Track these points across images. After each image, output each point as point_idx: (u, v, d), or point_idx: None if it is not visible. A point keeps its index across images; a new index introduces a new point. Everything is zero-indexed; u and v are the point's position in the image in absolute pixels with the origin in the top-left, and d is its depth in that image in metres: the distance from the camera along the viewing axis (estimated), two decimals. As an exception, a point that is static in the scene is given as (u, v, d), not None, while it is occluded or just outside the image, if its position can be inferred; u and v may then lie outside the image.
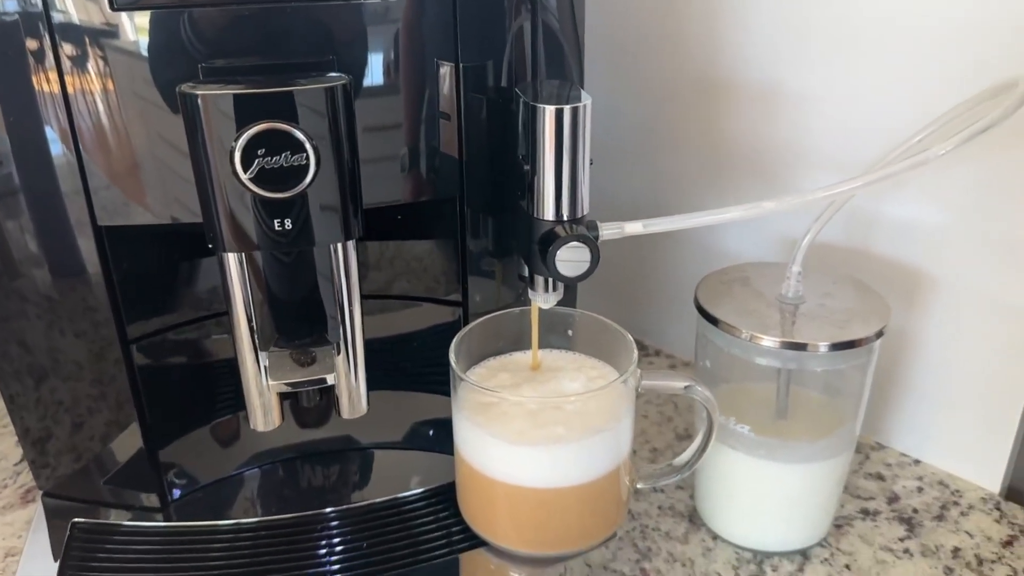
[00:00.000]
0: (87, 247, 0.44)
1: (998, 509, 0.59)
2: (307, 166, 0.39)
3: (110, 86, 0.40)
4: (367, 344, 0.46)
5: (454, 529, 0.51)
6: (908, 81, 0.55)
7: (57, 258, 0.44)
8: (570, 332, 0.53)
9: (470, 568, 0.50)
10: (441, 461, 0.54)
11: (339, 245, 0.42)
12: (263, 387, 0.44)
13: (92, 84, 0.39)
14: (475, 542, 0.50)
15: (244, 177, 0.39)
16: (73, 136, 0.41)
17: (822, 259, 0.56)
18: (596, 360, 0.51)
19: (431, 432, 0.57)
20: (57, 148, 0.41)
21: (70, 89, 0.40)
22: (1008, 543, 0.56)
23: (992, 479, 0.60)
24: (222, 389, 0.53)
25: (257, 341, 0.43)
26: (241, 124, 0.38)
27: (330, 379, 0.44)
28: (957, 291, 0.57)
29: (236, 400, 0.47)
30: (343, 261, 0.42)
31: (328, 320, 0.44)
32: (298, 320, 0.44)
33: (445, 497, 0.53)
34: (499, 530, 0.49)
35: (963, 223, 0.56)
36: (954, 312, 0.58)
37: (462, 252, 0.50)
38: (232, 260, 0.41)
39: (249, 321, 0.43)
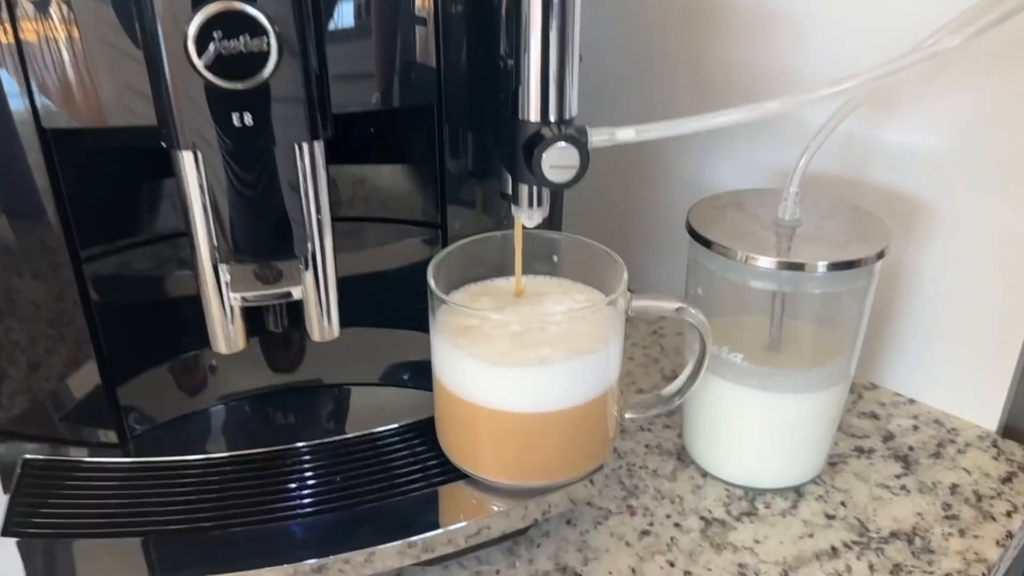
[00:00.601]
0: (35, 160, 0.40)
1: (995, 447, 0.57)
2: (268, 53, 0.36)
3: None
4: (341, 275, 0.43)
5: (432, 463, 0.48)
6: (911, -5, 0.52)
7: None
8: (556, 258, 0.50)
9: (449, 503, 0.47)
10: (418, 397, 0.52)
11: (305, 146, 0.39)
12: (224, 302, 0.40)
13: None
14: (454, 475, 0.47)
15: (198, 64, 0.35)
16: (14, 29, 0.37)
17: (817, 189, 0.54)
18: (583, 285, 0.48)
19: (409, 370, 0.54)
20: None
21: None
22: (1007, 479, 0.54)
23: (989, 417, 0.58)
24: (186, 324, 0.50)
25: (217, 252, 0.40)
26: (196, 2, 0.34)
27: (296, 293, 0.41)
28: (956, 220, 0.55)
29: (201, 335, 0.43)
30: (310, 164, 0.39)
31: (295, 231, 0.41)
32: (262, 231, 0.41)
33: (423, 432, 0.50)
34: (480, 460, 0.46)
35: (963, 149, 0.53)
36: (953, 243, 0.56)
37: (441, 171, 0.47)
38: (187, 160, 0.38)
39: (208, 230, 0.39)
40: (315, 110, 0.38)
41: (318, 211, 0.40)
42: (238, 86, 0.36)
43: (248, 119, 0.37)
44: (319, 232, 0.40)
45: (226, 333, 0.42)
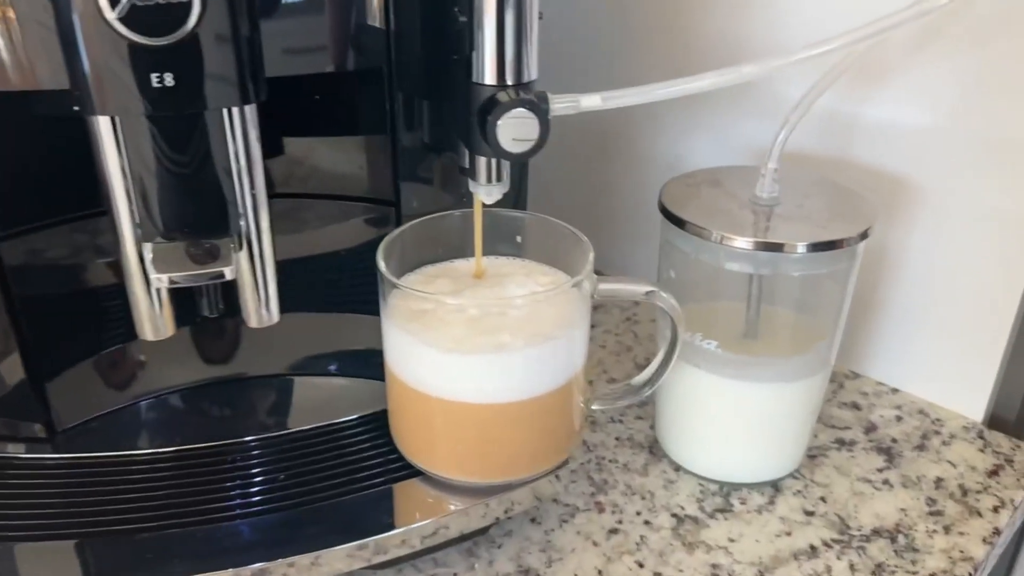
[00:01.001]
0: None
1: (981, 438, 0.54)
2: (190, 3, 0.32)
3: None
4: (285, 256, 0.40)
5: (385, 459, 0.45)
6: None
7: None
8: (519, 238, 0.47)
9: (404, 501, 0.44)
10: (370, 388, 0.48)
11: (235, 111, 0.35)
12: (149, 284, 0.37)
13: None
14: (409, 472, 0.44)
15: (111, 16, 0.31)
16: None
17: (798, 166, 0.51)
18: (548, 267, 0.45)
19: (360, 358, 0.50)
20: None
21: None
22: (993, 472, 0.51)
23: (975, 407, 0.55)
24: (116, 311, 0.46)
25: (140, 229, 0.36)
26: (105, -56, 0.31)
27: (228, 273, 0.37)
28: (944, 200, 0.52)
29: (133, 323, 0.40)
30: (241, 132, 0.35)
31: (228, 206, 0.37)
32: (191, 206, 0.37)
33: (375, 425, 0.47)
34: (435, 456, 0.43)
35: (951, 124, 0.50)
36: (940, 224, 0.53)
37: (393, 143, 0.43)
38: (104, 126, 0.34)
39: (130, 205, 0.36)
40: (245, 71, 0.34)
41: (252, 185, 0.36)
42: (157, 42, 0.32)
43: (169, 80, 0.33)
44: (254, 208, 0.37)
45: (152, 318, 0.38)
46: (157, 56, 0.33)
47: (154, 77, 0.33)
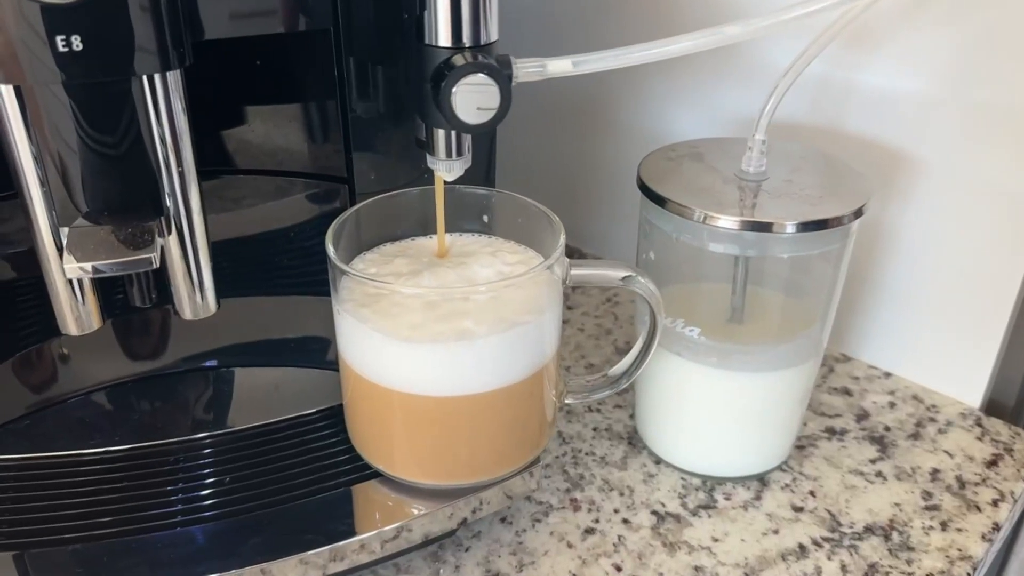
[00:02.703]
0: None
1: (979, 425, 0.51)
2: (96, -46, 0.28)
3: None
4: (227, 237, 0.36)
5: (341, 458, 0.41)
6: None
7: None
8: (486, 217, 0.43)
9: (363, 504, 0.40)
10: (324, 380, 0.45)
11: (157, 78, 0.31)
12: (67, 273, 0.33)
13: None
14: (368, 472, 0.41)
15: (5, -32, 0.27)
16: None
17: (787, 139, 0.47)
18: (516, 244, 0.42)
19: (314, 346, 0.47)
20: None
21: None
22: (992, 463, 0.48)
23: (972, 392, 0.53)
24: (38, 303, 0.42)
25: (55, 212, 0.32)
26: None
27: (155, 260, 0.33)
28: (942, 174, 0.49)
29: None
30: (164, 102, 0.31)
31: (156, 186, 0.33)
32: (113, 185, 0.33)
33: (330, 421, 0.43)
34: (395, 457, 0.40)
35: (948, 92, 0.47)
36: (937, 199, 0.50)
37: (343, 113, 0.39)
38: (7, 97, 0.30)
39: (41, 185, 0.32)
40: (165, 32, 0.30)
41: (178, 161, 0.32)
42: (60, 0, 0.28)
43: (77, 43, 0.29)
44: (182, 187, 0.33)
45: (74, 310, 0.34)
46: (62, 16, 0.29)
47: (59, 40, 0.29)
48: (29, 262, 0.35)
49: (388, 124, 0.41)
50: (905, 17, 0.47)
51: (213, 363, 0.46)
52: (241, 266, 0.44)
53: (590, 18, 0.60)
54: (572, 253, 0.67)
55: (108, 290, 0.36)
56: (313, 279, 0.45)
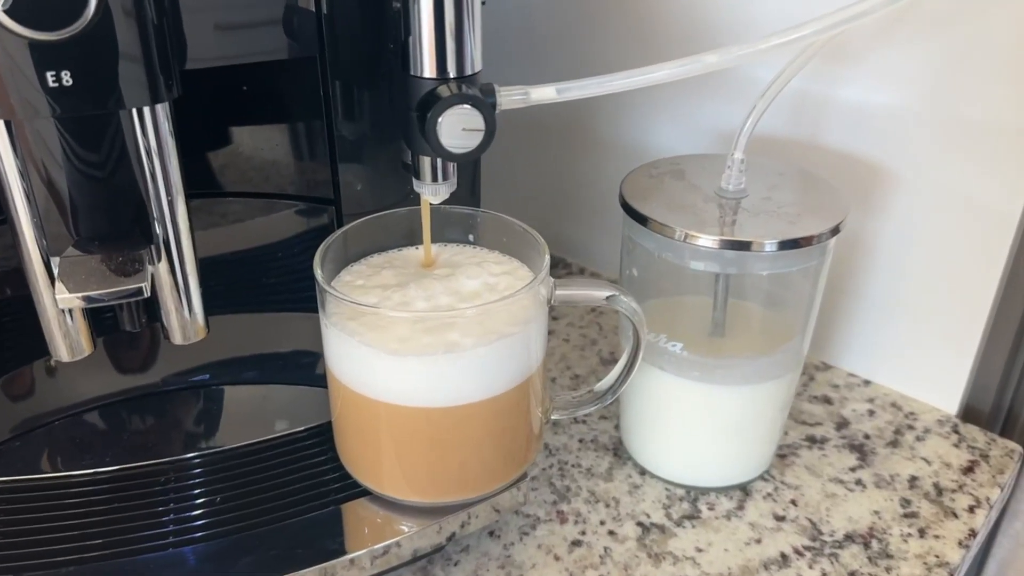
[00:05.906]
0: None
1: (956, 432, 0.52)
2: (85, -7, 0.28)
3: None
4: (217, 255, 0.36)
5: (330, 476, 0.42)
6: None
7: None
8: (472, 237, 0.44)
9: (352, 523, 0.41)
10: (314, 397, 0.45)
11: (146, 111, 0.31)
12: (60, 304, 0.33)
13: None
14: (357, 490, 0.41)
15: (-7, 8, 0.28)
16: None
17: (765, 153, 0.48)
18: (500, 254, 0.42)
19: (302, 362, 0.47)
20: None
21: None
22: (968, 470, 0.49)
23: (949, 399, 0.54)
24: (25, 324, 0.43)
25: (46, 242, 0.33)
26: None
27: (146, 289, 0.33)
28: (918, 186, 0.50)
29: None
30: (153, 134, 0.32)
31: (149, 216, 0.34)
32: (103, 216, 0.34)
33: (319, 439, 0.44)
34: (384, 475, 0.40)
35: (924, 107, 0.48)
36: (914, 211, 0.51)
37: (330, 137, 0.40)
38: (-3, 130, 0.31)
39: (32, 217, 0.32)
40: (155, 66, 0.31)
41: (167, 190, 0.33)
42: (49, 37, 0.29)
43: (67, 78, 0.29)
44: (170, 215, 0.33)
45: (67, 336, 0.35)
46: (51, 52, 0.29)
47: (50, 76, 0.29)
48: (14, 282, 0.35)
49: (374, 146, 0.41)
50: (882, 33, 0.48)
51: (203, 378, 0.46)
52: (230, 284, 0.45)
53: (574, 37, 0.61)
54: (557, 263, 0.68)
55: (97, 311, 0.36)
56: (301, 295, 0.46)
